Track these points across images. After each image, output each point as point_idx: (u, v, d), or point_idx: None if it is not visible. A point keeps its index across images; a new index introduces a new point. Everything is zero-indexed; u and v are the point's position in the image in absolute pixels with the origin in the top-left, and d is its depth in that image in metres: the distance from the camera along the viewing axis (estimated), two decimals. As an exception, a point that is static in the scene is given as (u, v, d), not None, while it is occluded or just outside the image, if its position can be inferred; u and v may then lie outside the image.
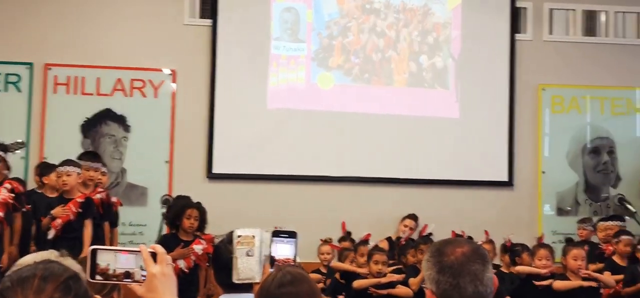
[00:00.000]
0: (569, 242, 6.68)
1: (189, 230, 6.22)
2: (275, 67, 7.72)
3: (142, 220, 7.41)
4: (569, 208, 8.00)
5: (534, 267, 6.24)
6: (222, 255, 2.64)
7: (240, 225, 7.02)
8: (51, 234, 5.87)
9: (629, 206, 6.76)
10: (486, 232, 7.11)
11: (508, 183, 7.98)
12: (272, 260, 2.42)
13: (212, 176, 7.62)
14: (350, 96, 7.81)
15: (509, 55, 8.00)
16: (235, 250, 2.40)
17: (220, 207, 7.01)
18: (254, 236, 2.43)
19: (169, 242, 6.02)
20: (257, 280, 2.34)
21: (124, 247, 2.03)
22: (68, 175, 6.04)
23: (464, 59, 7.96)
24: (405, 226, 7.37)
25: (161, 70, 7.64)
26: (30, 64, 7.51)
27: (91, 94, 7.56)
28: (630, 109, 8.16)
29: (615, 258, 6.67)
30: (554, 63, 8.12)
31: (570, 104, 8.11)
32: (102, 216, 6.27)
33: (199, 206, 6.32)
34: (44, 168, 6.52)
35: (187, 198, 6.42)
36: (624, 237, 6.69)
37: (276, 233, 2.43)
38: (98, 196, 6.21)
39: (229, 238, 2.62)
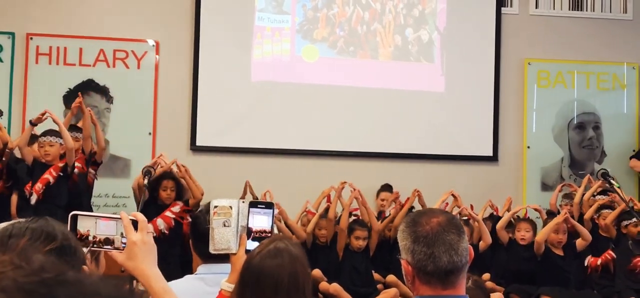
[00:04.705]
0: (550, 216, 6.75)
1: (166, 201, 6.24)
2: (259, 39, 7.65)
3: (126, 192, 7.35)
4: (554, 183, 8.00)
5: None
6: (199, 226, 2.62)
7: (223, 198, 6.98)
8: (33, 199, 5.83)
9: (612, 181, 6.77)
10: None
11: (493, 158, 7.98)
12: (249, 231, 2.39)
13: (195, 148, 7.58)
14: (335, 69, 7.76)
15: (495, 29, 7.96)
16: (211, 220, 2.37)
17: (203, 179, 6.99)
18: (231, 207, 2.39)
19: (147, 207, 6.05)
20: (234, 251, 2.32)
21: (104, 214, 2.02)
22: (51, 146, 6.02)
23: (450, 32, 7.92)
24: (382, 200, 7.36)
25: (145, 41, 7.57)
26: (12, 33, 7.43)
27: (74, 65, 7.48)
28: (616, 84, 8.15)
29: (601, 232, 6.74)
30: (540, 37, 8.09)
31: (556, 78, 8.09)
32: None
33: (174, 177, 6.33)
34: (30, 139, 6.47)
35: (168, 172, 6.44)
36: (604, 211, 6.75)
37: (253, 204, 2.41)
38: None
39: (207, 209, 2.60)
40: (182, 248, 6.14)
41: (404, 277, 2.02)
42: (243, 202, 2.41)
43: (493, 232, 6.69)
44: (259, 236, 2.36)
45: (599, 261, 6.58)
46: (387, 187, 7.46)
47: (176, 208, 6.27)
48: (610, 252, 6.59)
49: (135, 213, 1.96)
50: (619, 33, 8.15)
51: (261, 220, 2.40)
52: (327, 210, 6.57)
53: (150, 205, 6.18)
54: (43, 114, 5.90)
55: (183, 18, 7.62)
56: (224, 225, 2.36)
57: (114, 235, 1.93)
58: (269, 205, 2.43)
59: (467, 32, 7.92)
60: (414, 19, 7.89)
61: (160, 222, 6.10)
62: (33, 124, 6.00)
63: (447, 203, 6.91)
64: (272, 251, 2.05)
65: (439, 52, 7.90)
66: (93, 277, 0.77)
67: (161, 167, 6.38)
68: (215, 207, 2.38)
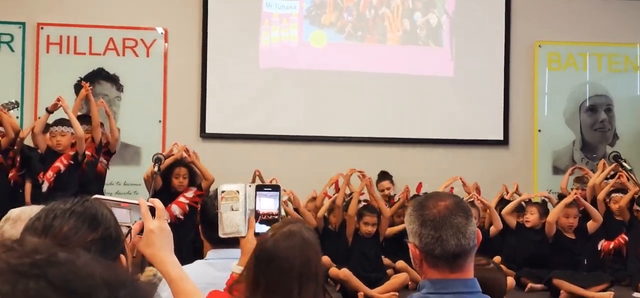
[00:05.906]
0: (561, 200, 6.73)
1: (179, 189, 6.26)
2: (267, 25, 7.64)
3: (136, 180, 7.39)
4: (565, 167, 7.94)
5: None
6: (208, 212, 2.64)
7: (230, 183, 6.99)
8: (45, 187, 5.88)
9: (624, 164, 6.73)
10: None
11: (503, 142, 7.94)
12: (256, 214, 2.40)
13: (205, 135, 7.61)
14: (343, 54, 7.74)
15: (504, 11, 7.89)
16: (219, 205, 2.38)
17: (213, 166, 7.00)
18: (238, 191, 2.40)
19: (160, 194, 6.06)
20: (243, 234, 2.34)
21: (123, 199, 2.02)
22: (62, 135, 6.05)
23: (459, 15, 7.86)
24: (385, 189, 7.28)
25: (154, 29, 7.59)
26: (22, 23, 7.47)
27: (84, 54, 7.53)
28: (629, 65, 8.05)
29: (615, 216, 6.71)
30: (550, 19, 7.99)
31: (568, 61, 8.02)
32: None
33: (187, 164, 6.34)
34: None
35: (181, 160, 6.46)
36: (615, 195, 6.72)
37: (260, 188, 2.42)
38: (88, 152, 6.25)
39: (215, 195, 2.62)
40: (196, 234, 6.16)
41: (412, 260, 2.02)
42: (250, 186, 2.42)
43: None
44: (266, 219, 2.37)
45: (612, 245, 6.56)
46: (384, 175, 7.41)
47: (190, 193, 6.31)
48: (624, 235, 6.57)
49: (153, 200, 1.97)
50: (631, 14, 8.04)
51: (268, 203, 2.41)
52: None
53: (164, 193, 6.20)
54: (58, 101, 5.96)
55: (191, 5, 7.63)
56: (232, 209, 2.37)
57: (127, 222, 1.94)
58: (276, 188, 2.44)
59: (476, 15, 7.86)
60: (422, 2, 7.83)
61: (175, 208, 6.14)
62: (49, 111, 6.06)
63: (452, 188, 6.90)
64: (285, 233, 2.06)
65: (448, 36, 7.86)
66: (87, 257, 0.77)
67: (173, 155, 6.41)
68: (223, 192, 2.39)
